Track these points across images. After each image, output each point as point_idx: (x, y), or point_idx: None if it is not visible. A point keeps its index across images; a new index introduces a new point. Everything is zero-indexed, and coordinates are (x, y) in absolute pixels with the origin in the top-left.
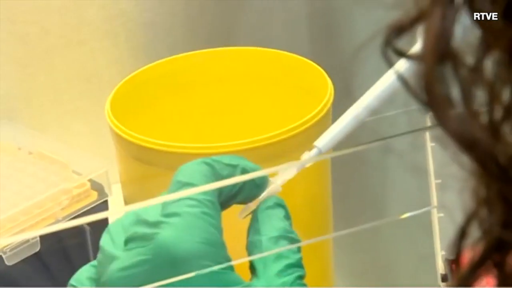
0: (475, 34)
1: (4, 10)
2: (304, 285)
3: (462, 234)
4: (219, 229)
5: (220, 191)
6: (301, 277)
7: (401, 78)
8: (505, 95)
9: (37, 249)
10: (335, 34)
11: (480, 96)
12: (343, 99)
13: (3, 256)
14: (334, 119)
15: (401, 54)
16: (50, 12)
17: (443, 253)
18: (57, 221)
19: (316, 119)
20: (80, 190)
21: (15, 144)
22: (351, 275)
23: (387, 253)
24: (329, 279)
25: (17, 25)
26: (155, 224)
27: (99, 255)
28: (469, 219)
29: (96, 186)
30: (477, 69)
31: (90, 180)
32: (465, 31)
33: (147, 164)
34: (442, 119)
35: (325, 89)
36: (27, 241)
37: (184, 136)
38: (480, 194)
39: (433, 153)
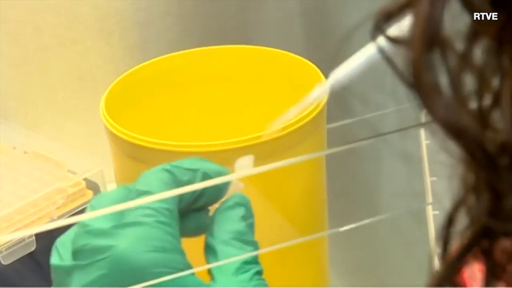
0: (464, 21)
1: None
2: (263, 279)
3: (450, 221)
4: (177, 236)
5: (180, 197)
6: (259, 273)
7: (392, 64)
8: (493, 82)
9: (33, 248)
10: (329, 32)
11: (469, 83)
12: (337, 97)
13: None
14: (328, 117)
15: (391, 39)
16: (44, 11)
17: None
18: (52, 220)
19: (310, 117)
20: (75, 189)
21: (10, 144)
22: (346, 271)
23: (381, 249)
24: (324, 275)
25: (10, 24)
26: (110, 235)
27: (52, 275)
28: (457, 206)
29: (91, 185)
30: (465, 56)
31: (85, 179)
32: (454, 18)
33: (142, 163)
34: (430, 106)
35: None
36: (23, 240)
37: (178, 134)
38: (468, 182)
39: (427, 147)
